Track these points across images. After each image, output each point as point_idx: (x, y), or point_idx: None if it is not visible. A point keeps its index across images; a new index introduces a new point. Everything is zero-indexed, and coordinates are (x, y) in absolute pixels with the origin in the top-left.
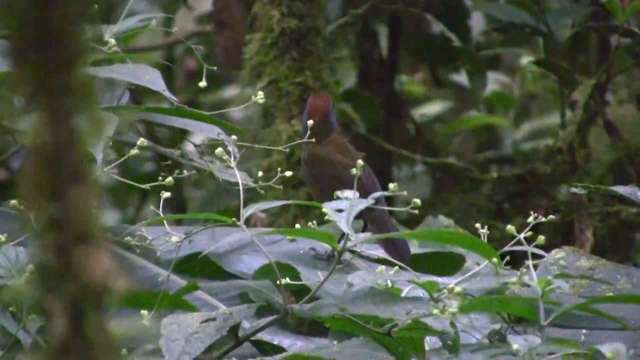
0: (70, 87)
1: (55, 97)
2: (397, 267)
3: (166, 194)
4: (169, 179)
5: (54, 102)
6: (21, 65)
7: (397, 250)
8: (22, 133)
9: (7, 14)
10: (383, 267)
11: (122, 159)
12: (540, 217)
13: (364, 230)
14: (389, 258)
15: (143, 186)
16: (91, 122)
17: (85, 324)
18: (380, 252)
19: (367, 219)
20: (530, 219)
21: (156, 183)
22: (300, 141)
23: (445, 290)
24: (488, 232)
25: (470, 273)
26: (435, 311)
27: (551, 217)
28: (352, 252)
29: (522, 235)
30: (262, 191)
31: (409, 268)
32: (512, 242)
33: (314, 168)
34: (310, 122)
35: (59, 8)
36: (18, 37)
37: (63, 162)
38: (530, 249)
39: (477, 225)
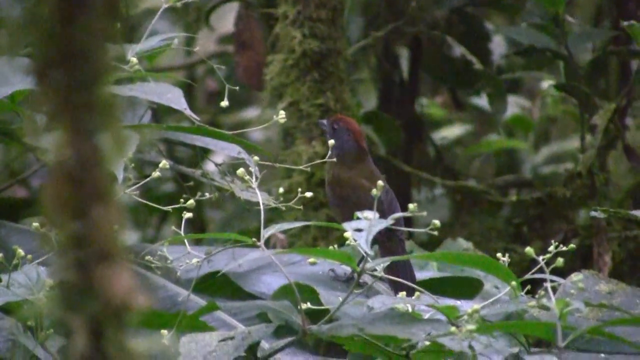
0: (93, 105)
1: (77, 115)
2: (418, 293)
3: (188, 215)
4: (191, 201)
5: (76, 120)
6: (44, 84)
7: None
8: (44, 151)
9: (31, 33)
10: (404, 292)
11: (144, 181)
12: (561, 245)
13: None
14: (399, 280)
15: (165, 208)
16: (113, 140)
17: (105, 342)
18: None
19: (380, 246)
20: (552, 248)
21: (178, 205)
22: (321, 161)
23: (465, 315)
24: (508, 257)
25: (491, 300)
26: (453, 329)
27: (572, 246)
28: (374, 276)
29: (542, 261)
30: (284, 208)
31: (425, 291)
32: (535, 269)
33: (337, 190)
34: (330, 143)
35: (82, 27)
36: (41, 55)
37: (85, 180)
38: (549, 276)
39: (498, 254)
